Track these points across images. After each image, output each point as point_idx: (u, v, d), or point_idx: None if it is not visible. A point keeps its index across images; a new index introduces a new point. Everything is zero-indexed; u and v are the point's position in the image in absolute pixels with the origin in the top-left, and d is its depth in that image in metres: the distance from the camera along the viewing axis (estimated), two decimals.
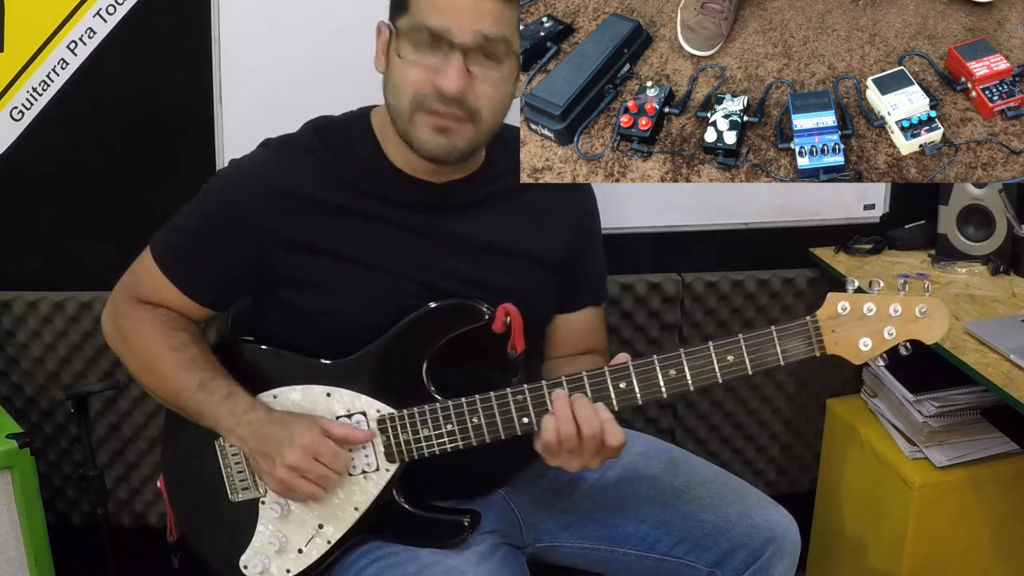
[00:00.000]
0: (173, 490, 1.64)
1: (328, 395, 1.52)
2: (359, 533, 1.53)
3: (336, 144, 1.54)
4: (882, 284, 1.39)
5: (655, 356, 1.43)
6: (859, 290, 1.40)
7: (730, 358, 1.41)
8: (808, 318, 1.39)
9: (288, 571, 1.54)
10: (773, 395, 2.38)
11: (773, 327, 1.40)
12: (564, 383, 1.44)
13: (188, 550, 1.64)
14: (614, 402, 1.43)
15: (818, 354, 1.40)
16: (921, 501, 2.01)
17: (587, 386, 1.43)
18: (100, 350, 2.13)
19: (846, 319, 1.38)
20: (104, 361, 2.14)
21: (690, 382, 1.42)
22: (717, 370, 1.41)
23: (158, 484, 1.68)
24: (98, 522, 1.95)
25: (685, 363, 1.41)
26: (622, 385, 1.43)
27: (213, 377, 1.50)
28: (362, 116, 1.57)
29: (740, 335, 1.40)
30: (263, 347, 1.57)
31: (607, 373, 1.43)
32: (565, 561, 1.67)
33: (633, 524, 1.63)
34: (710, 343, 1.41)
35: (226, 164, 2.03)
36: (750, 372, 1.41)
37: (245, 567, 1.55)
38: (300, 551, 1.54)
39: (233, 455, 1.54)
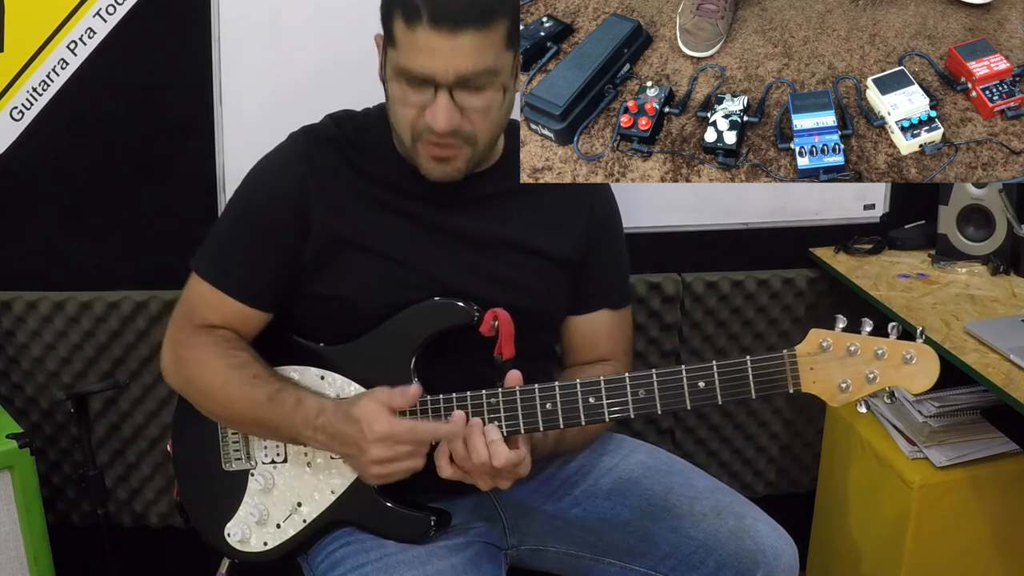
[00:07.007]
0: (178, 453, 1.68)
1: (322, 378, 1.56)
2: (334, 516, 1.57)
3: (354, 136, 1.59)
4: (872, 325, 1.34)
5: (626, 375, 1.42)
6: (847, 329, 1.34)
7: (701, 384, 1.39)
8: (786, 352, 1.36)
9: (265, 544, 1.60)
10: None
11: (748, 357, 1.37)
12: (516, 392, 1.44)
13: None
14: (582, 419, 1.44)
15: (792, 391, 1.35)
16: (921, 501, 2.01)
17: (558, 398, 1.44)
18: (100, 350, 2.13)
19: (827, 357, 1.33)
20: (104, 361, 2.14)
21: (658, 406, 1.41)
22: (687, 396, 1.39)
23: (167, 446, 1.73)
24: (98, 522, 1.95)
25: (656, 385, 1.40)
26: (591, 400, 1.43)
27: (280, 389, 1.52)
28: (381, 111, 1.60)
29: (714, 361, 1.38)
30: (272, 325, 1.61)
31: (578, 387, 1.43)
32: (549, 567, 1.67)
33: (620, 535, 1.62)
34: (682, 367, 1.39)
35: (226, 164, 2.05)
36: (720, 402, 1.39)
37: (228, 534, 1.61)
38: (278, 526, 1.59)
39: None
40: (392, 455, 1.44)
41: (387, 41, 1.46)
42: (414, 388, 1.47)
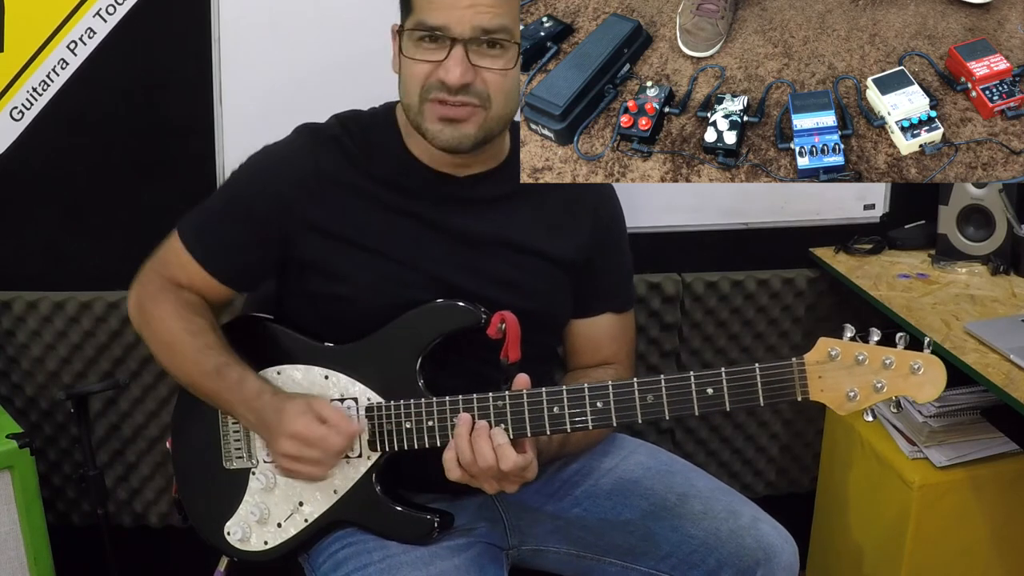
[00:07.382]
0: (178, 451, 1.69)
1: (326, 377, 1.56)
2: (336, 516, 1.57)
3: (360, 136, 1.58)
4: (880, 334, 1.34)
5: (635, 380, 1.42)
6: (855, 337, 1.34)
7: (709, 391, 1.38)
8: (794, 360, 1.36)
9: (266, 543, 1.60)
10: None
11: (757, 364, 1.37)
12: (523, 396, 1.44)
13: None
14: (589, 423, 1.43)
15: (800, 399, 1.36)
16: (921, 501, 2.01)
17: (565, 403, 1.43)
18: (100, 350, 2.13)
19: (835, 366, 1.34)
20: (104, 361, 2.14)
21: (666, 411, 1.40)
22: (695, 402, 1.39)
23: (167, 444, 1.73)
24: (98, 522, 1.95)
25: (664, 391, 1.40)
26: (599, 404, 1.43)
27: (228, 363, 1.54)
28: (387, 110, 1.60)
29: (723, 368, 1.38)
30: (274, 325, 1.62)
31: (586, 391, 1.43)
32: (551, 567, 1.67)
33: (621, 534, 1.62)
34: (691, 373, 1.39)
35: (226, 164, 2.05)
36: (728, 409, 1.39)
37: (228, 533, 1.61)
38: (279, 525, 1.59)
39: (233, 424, 1.61)
40: (297, 454, 1.47)
41: (404, 13, 1.47)
42: (354, 427, 1.49)
